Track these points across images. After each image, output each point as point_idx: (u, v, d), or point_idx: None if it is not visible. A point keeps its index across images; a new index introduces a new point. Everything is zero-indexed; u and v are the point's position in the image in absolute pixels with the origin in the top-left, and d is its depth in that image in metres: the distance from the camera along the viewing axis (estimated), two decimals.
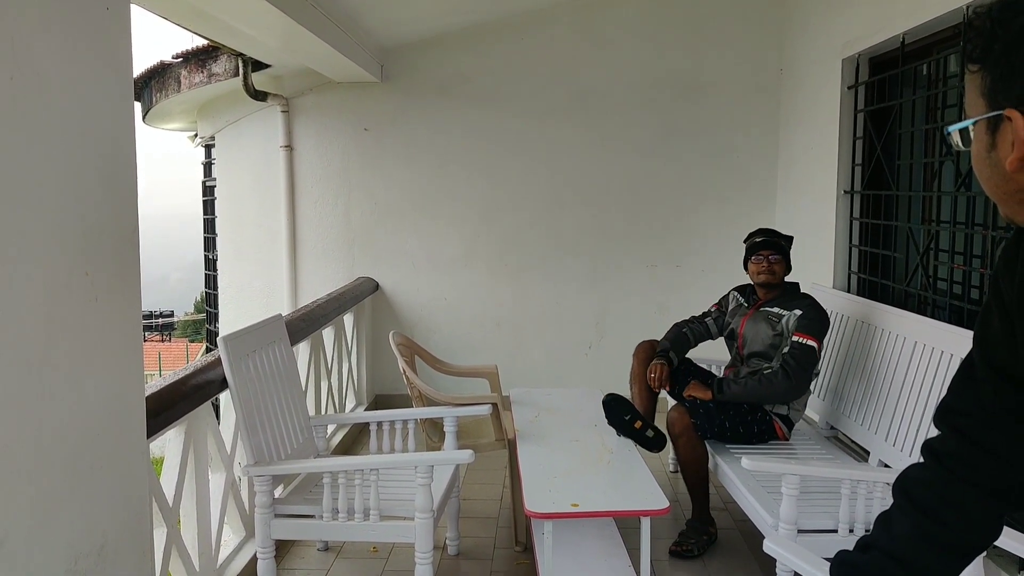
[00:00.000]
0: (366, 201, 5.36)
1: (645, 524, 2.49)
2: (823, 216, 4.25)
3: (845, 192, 4.07)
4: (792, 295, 3.38)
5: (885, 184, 3.76)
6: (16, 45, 1.18)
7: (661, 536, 3.23)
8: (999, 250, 0.97)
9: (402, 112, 5.27)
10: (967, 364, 1.03)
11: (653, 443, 3.18)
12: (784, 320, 3.28)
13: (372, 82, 5.18)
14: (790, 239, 3.46)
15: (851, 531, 2.48)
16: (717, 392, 3.22)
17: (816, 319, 3.22)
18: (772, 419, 3.26)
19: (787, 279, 3.43)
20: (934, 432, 1.08)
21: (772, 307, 3.35)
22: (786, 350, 3.22)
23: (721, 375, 3.52)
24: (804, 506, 2.55)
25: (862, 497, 2.47)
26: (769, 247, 3.39)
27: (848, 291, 3.99)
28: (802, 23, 4.68)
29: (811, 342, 3.16)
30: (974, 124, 0.85)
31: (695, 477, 3.20)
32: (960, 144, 0.88)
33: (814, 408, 3.65)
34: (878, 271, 3.81)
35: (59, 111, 1.30)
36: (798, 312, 3.25)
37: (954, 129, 0.87)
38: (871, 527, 1.12)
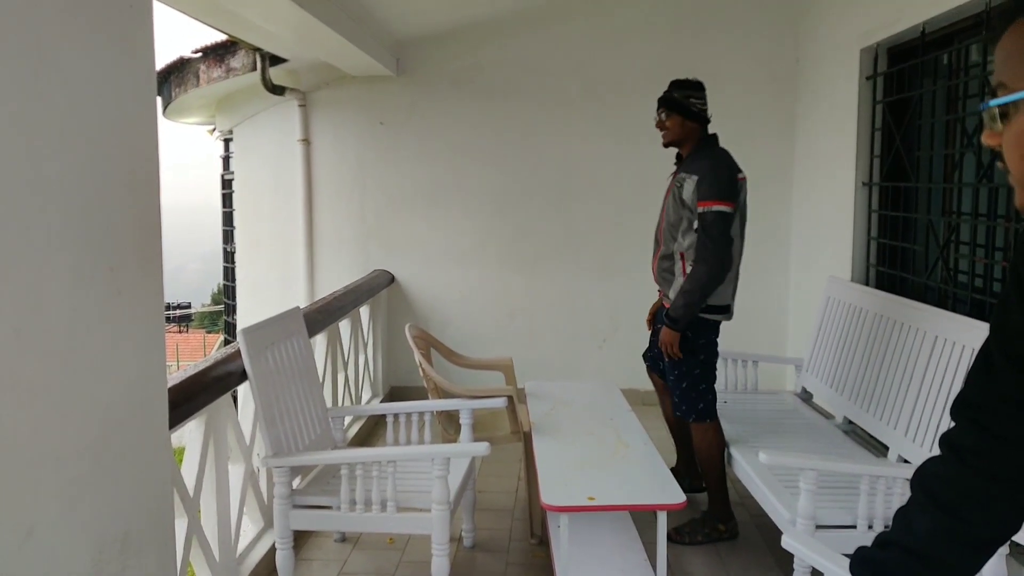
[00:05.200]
0: (381, 194, 5.38)
1: (661, 518, 2.50)
2: (841, 208, 4.22)
3: (864, 184, 4.03)
4: (697, 154, 3.15)
5: (904, 176, 3.72)
6: (42, 42, 1.19)
7: None
8: (1018, 239, 0.93)
9: (417, 105, 5.28)
10: (984, 355, 1.02)
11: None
12: (683, 189, 3.11)
13: (387, 76, 5.18)
14: (695, 86, 3.19)
15: (870, 527, 2.46)
16: (672, 326, 3.10)
17: (710, 180, 3.02)
18: (700, 322, 3.14)
19: (711, 132, 3.22)
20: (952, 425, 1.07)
21: (681, 172, 3.18)
22: (695, 226, 3.07)
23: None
24: (822, 502, 2.54)
25: (881, 493, 2.45)
26: (660, 103, 3.21)
27: (867, 284, 3.96)
28: (819, 13, 4.63)
29: (712, 207, 2.99)
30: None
31: (706, 465, 3.20)
32: (996, 123, 0.82)
33: (831, 402, 3.63)
34: (897, 264, 3.78)
35: (84, 107, 1.31)
36: (695, 178, 3.06)
37: (998, 103, 0.81)
38: (890, 523, 1.11)
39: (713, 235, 3.00)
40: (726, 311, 3.20)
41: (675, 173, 3.27)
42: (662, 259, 3.31)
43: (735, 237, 3.11)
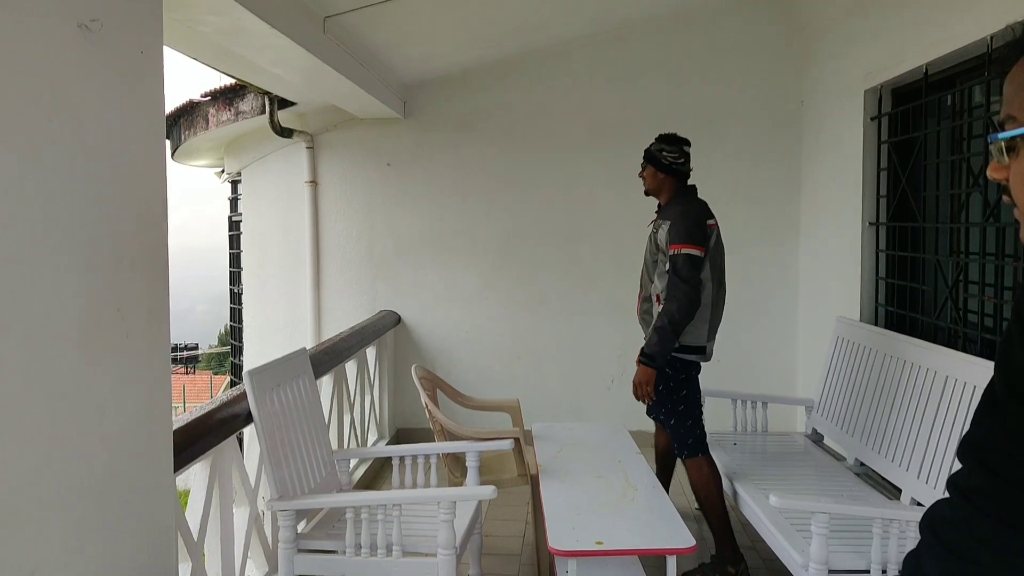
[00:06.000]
0: (388, 235, 5.41)
1: (671, 563, 2.45)
2: (848, 248, 4.22)
3: (870, 224, 4.04)
4: (672, 203, 3.31)
5: (911, 216, 3.73)
6: (55, 89, 1.21)
7: None
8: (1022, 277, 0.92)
9: (424, 147, 5.34)
10: (989, 395, 1.00)
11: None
12: (658, 234, 3.26)
13: (395, 118, 5.25)
14: (670, 141, 3.32)
15: (884, 572, 2.41)
16: (648, 363, 3.17)
17: (680, 226, 3.15)
18: (678, 362, 3.22)
19: (690, 182, 3.35)
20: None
21: (659, 219, 3.34)
22: (667, 268, 3.18)
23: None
24: (835, 545, 2.49)
25: (895, 536, 2.40)
26: (644, 156, 3.37)
27: (875, 324, 3.93)
28: (822, 54, 4.69)
29: (682, 250, 3.11)
30: None
31: (706, 503, 3.21)
32: (1003, 156, 0.81)
33: (842, 443, 3.58)
34: (906, 304, 3.76)
35: (94, 152, 1.33)
36: (668, 223, 3.21)
37: (1006, 136, 0.80)
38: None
39: (683, 275, 3.12)
40: (702, 352, 3.27)
41: (655, 220, 3.41)
42: (644, 301, 3.44)
43: (706, 280, 3.21)
